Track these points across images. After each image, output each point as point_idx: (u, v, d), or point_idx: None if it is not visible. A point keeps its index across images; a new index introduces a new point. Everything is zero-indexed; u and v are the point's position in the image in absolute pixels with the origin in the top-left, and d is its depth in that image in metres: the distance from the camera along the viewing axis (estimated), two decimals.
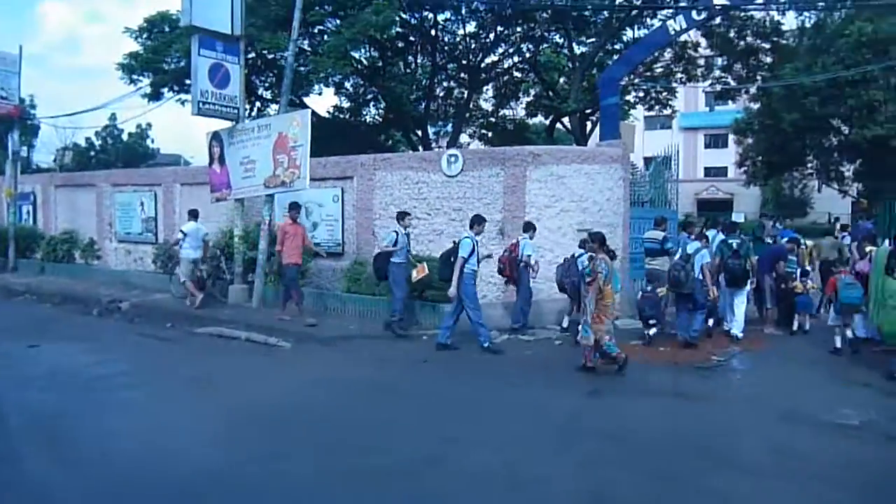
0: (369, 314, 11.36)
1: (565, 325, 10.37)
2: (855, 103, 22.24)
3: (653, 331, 9.70)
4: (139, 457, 5.30)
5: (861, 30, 21.53)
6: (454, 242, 9.57)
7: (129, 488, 4.74)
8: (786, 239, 12.07)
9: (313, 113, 20.41)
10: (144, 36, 21.35)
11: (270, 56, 19.69)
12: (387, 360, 8.89)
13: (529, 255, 10.12)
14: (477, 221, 9.47)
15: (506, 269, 10.20)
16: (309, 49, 19.79)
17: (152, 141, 47.88)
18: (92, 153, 43.96)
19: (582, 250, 9.83)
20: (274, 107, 21.26)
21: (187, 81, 16.41)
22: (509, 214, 11.29)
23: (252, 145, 12.49)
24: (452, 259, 9.21)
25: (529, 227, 10.45)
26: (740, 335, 10.08)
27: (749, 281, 10.58)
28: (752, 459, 5.41)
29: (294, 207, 11.24)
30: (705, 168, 47.05)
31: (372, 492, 4.71)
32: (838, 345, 9.27)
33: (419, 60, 24.35)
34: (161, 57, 20.36)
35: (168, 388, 7.58)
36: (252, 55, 18.49)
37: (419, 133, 25.14)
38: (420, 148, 24.03)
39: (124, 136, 45.49)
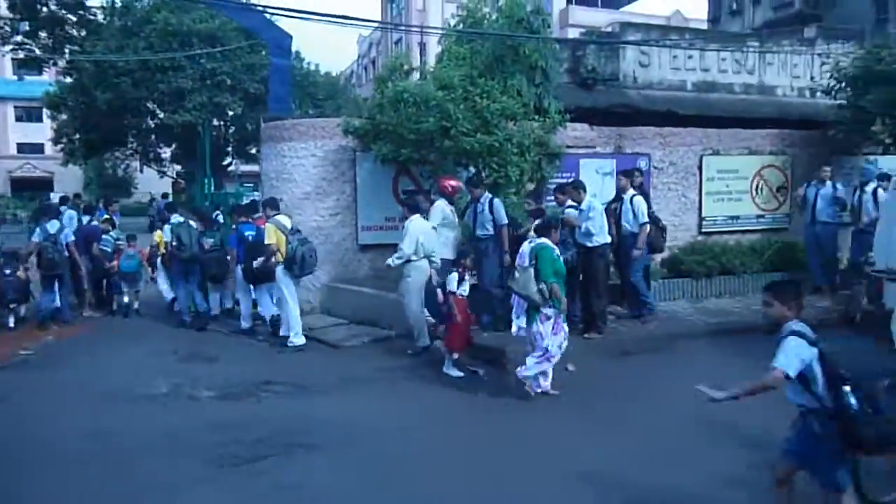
0: None
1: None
2: (166, 89, 23.54)
3: (23, 310, 9.68)
4: None
5: (167, 20, 22.87)
6: None
7: None
8: (103, 217, 11.99)
9: None
10: None
11: None
12: None
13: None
14: None
15: None
16: None
17: None
18: None
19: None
20: None
21: None
22: None
23: None
24: None
25: None
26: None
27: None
28: (76, 447, 5.26)
29: None
30: (19, 144, 42.78)
31: None
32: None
33: None
34: None
35: None
36: None
37: None
38: None
39: None
